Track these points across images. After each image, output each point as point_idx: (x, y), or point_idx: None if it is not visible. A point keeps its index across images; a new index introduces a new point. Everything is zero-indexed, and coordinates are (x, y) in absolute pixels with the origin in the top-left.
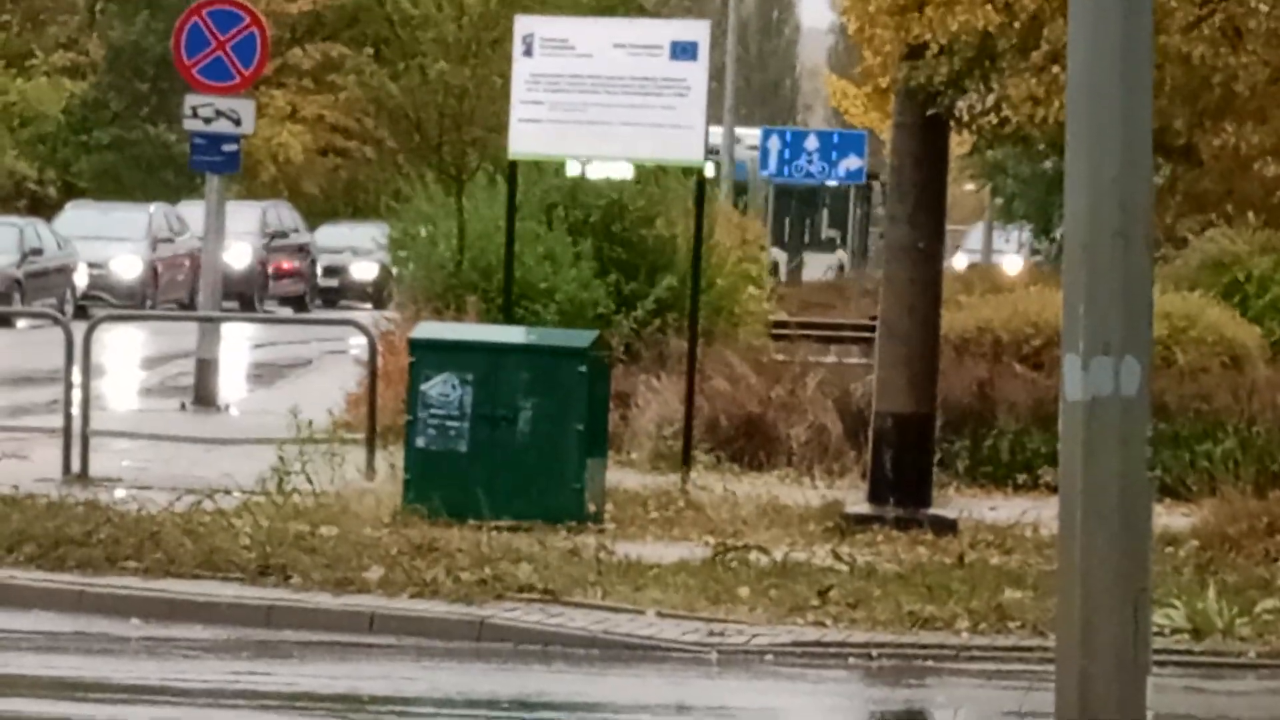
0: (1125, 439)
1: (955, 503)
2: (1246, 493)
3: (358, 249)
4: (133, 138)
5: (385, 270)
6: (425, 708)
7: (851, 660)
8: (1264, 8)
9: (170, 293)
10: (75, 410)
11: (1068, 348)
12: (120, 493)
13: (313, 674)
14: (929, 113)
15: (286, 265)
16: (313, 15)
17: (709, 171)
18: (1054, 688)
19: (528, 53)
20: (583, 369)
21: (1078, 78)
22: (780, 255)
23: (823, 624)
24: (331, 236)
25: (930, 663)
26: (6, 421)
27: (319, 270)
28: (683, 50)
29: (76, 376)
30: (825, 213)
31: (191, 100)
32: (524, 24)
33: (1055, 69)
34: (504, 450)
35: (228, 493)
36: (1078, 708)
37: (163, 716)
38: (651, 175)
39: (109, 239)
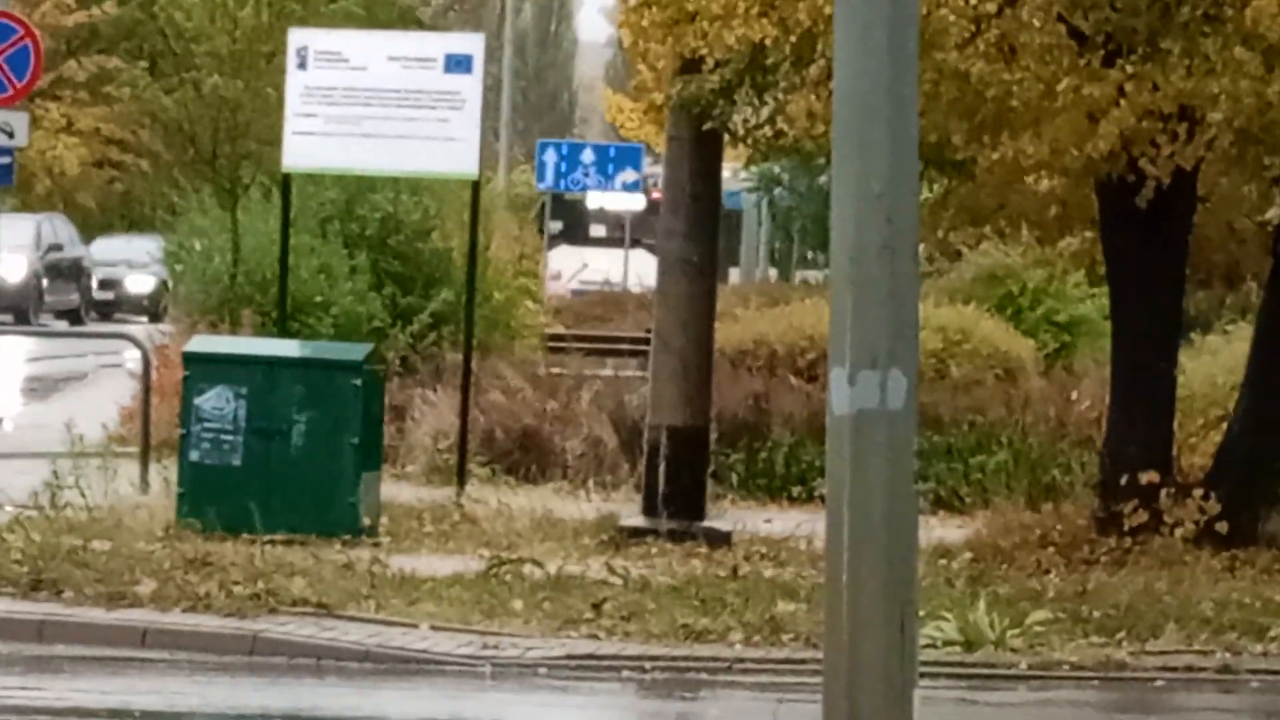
0: (892, 452)
1: (730, 515)
2: (1019, 505)
3: (133, 262)
4: None
5: (162, 284)
6: None
7: (625, 673)
8: (1036, 23)
9: None
10: None
11: (834, 361)
12: None
13: (85, 689)
14: (704, 127)
15: None
16: (88, 27)
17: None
18: (821, 698)
19: (301, 65)
20: (357, 382)
21: (844, 91)
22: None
23: (596, 637)
24: (107, 250)
25: (704, 675)
26: None
27: (94, 284)
28: (457, 63)
29: None
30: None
31: None
32: (297, 37)
33: (832, 83)
34: (278, 464)
35: (0, 507)
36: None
37: None
38: (429, 187)
39: None
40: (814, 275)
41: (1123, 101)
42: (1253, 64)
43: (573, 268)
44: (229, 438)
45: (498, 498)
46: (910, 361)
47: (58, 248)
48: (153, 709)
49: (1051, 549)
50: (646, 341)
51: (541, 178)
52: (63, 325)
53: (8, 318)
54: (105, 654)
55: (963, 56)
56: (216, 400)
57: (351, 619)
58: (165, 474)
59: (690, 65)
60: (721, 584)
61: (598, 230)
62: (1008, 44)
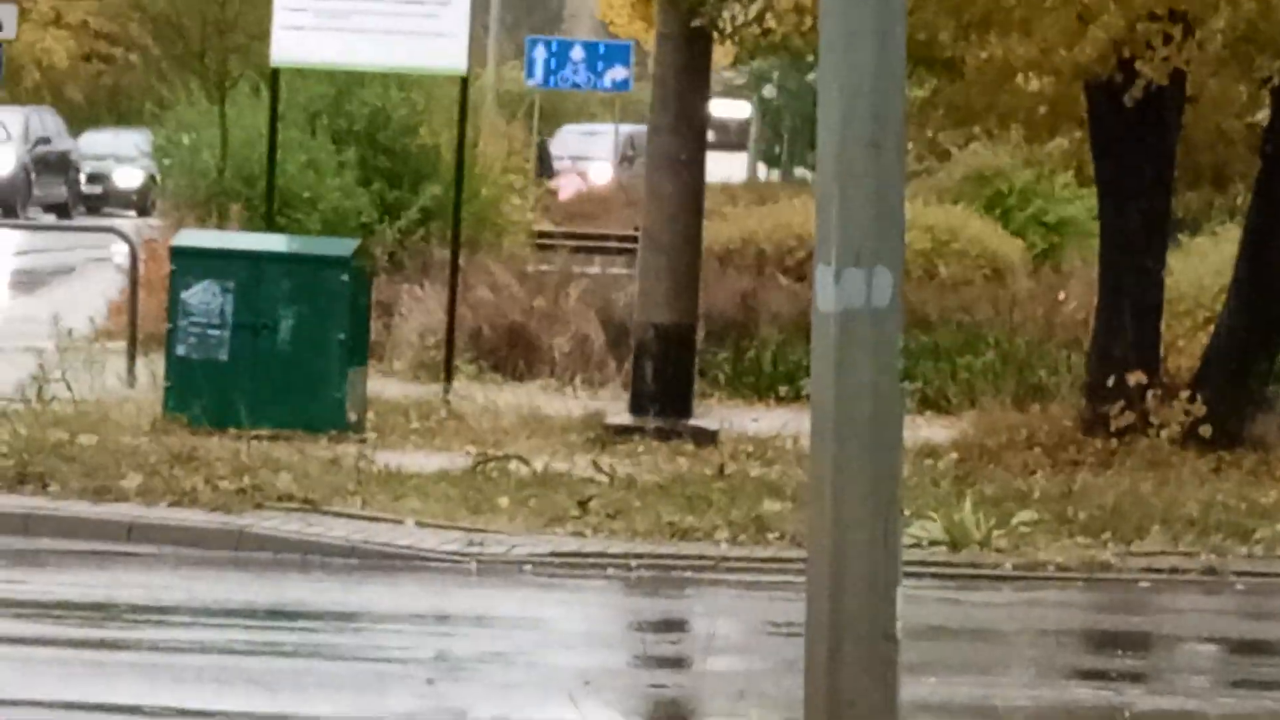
0: (877, 350)
1: (717, 414)
2: (1006, 405)
3: (121, 156)
4: None
5: (150, 178)
6: (182, 616)
7: (610, 570)
8: None
9: None
10: None
11: (820, 259)
12: None
13: (70, 582)
14: (692, 24)
15: None
16: None
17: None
18: (806, 597)
19: None
20: (345, 278)
21: None
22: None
23: (582, 534)
24: (95, 143)
25: (689, 573)
26: None
27: (82, 177)
28: None
29: None
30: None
31: None
32: None
33: None
34: (265, 359)
35: None
36: (829, 618)
37: None
38: (418, 83)
39: None
40: (803, 173)
41: (1114, 4)
42: None
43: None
44: (216, 332)
45: (484, 394)
46: (896, 259)
47: (46, 141)
48: (138, 602)
49: (1038, 449)
50: (635, 239)
51: (530, 74)
52: (50, 219)
53: None
54: (91, 548)
55: None
56: (203, 295)
57: (337, 515)
58: (152, 368)
59: None
60: (708, 482)
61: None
62: None
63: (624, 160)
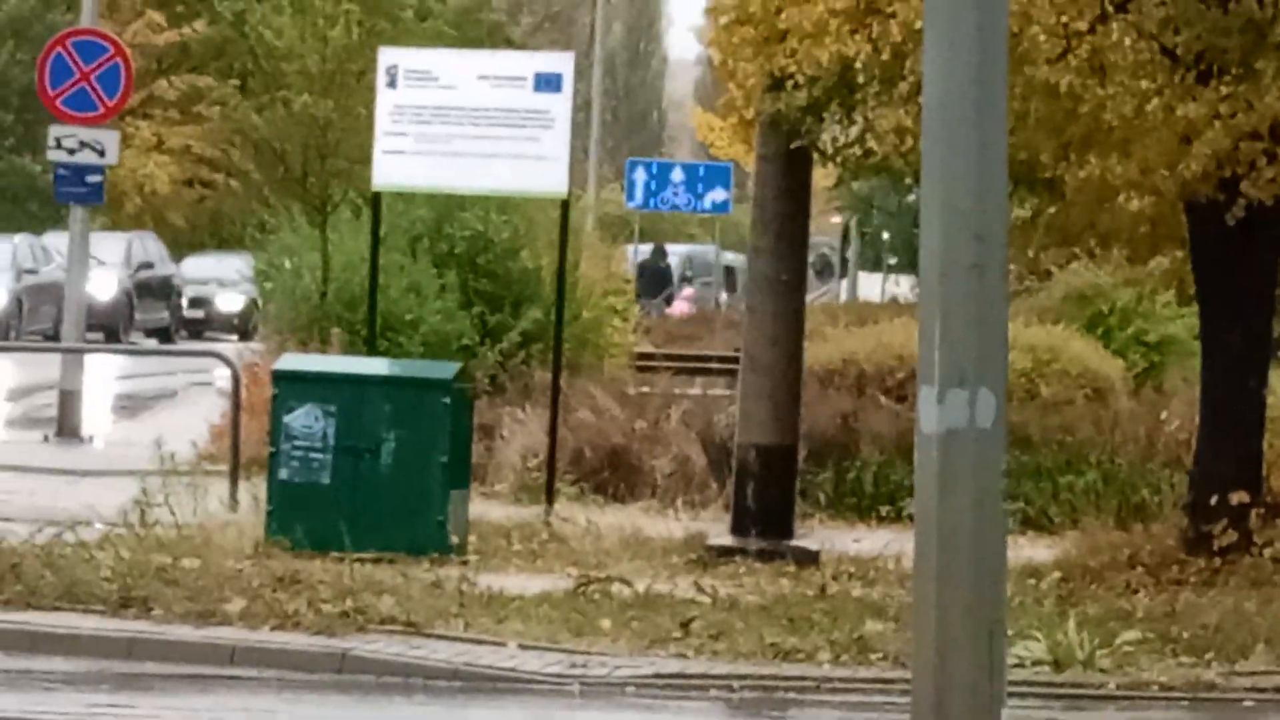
0: (980, 471)
1: (818, 534)
2: (1108, 525)
3: (223, 280)
4: None
5: (251, 302)
6: None
7: (713, 692)
8: (1127, 41)
9: (35, 323)
10: None
11: (923, 380)
12: None
13: (174, 706)
14: (793, 145)
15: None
16: (179, 46)
17: None
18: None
19: (391, 84)
20: (446, 400)
21: (933, 107)
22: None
23: (685, 655)
24: (197, 268)
25: (792, 694)
26: None
27: (184, 302)
28: (546, 82)
29: None
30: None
31: (56, 131)
32: (388, 56)
33: (921, 99)
34: (367, 482)
35: (90, 524)
36: None
37: None
38: (519, 206)
39: None
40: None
41: (1217, 123)
42: None
43: None
44: (318, 455)
45: (586, 516)
46: (999, 380)
47: (148, 265)
48: None
49: (1140, 569)
50: (735, 360)
51: (631, 196)
52: (153, 343)
53: (98, 335)
54: (194, 671)
55: (1054, 71)
56: (305, 418)
57: (440, 637)
58: (254, 492)
59: (778, 83)
60: (809, 603)
61: None
62: (1099, 61)
63: (682, 280)
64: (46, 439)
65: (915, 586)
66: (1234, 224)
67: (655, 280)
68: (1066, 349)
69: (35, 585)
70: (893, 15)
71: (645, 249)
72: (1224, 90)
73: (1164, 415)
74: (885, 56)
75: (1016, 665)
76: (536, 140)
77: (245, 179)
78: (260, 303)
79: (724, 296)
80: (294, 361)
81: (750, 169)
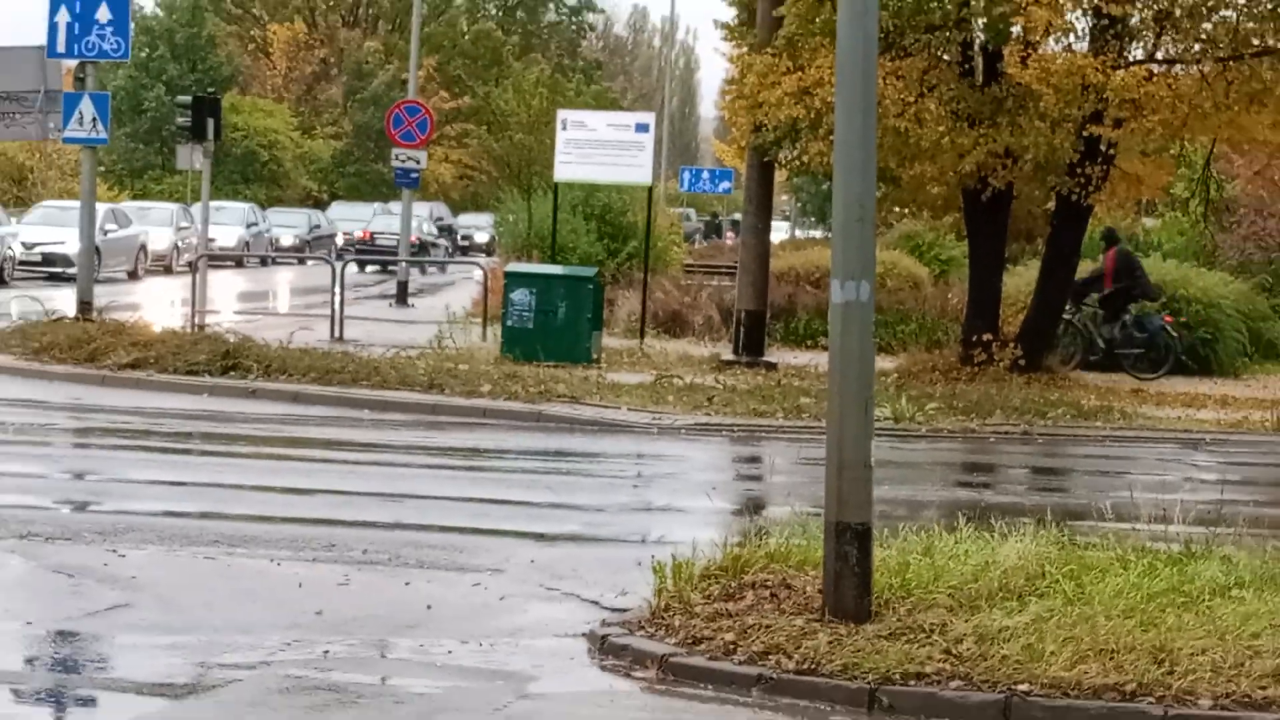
0: (861, 323)
1: (777, 354)
2: (921, 350)
3: (479, 226)
4: (366, 170)
5: (493, 237)
6: (512, 453)
7: (724, 432)
8: (933, 106)
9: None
10: (337, 304)
11: (834, 275)
12: (358, 347)
13: (456, 438)
14: (764, 159)
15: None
16: (455, 109)
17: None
18: (825, 445)
19: (563, 128)
20: (590, 287)
21: (839, 141)
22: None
23: (710, 414)
24: (467, 220)
25: (762, 435)
26: (303, 310)
27: (458, 237)
28: (641, 128)
29: (337, 291)
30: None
31: (395, 151)
32: (562, 114)
33: (833, 137)
34: (551, 327)
35: (412, 348)
36: (837, 456)
37: (380, 458)
38: (627, 189)
39: (353, 220)
40: (813, 233)
41: (977, 148)
42: (1044, 130)
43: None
44: (527, 314)
45: (659, 345)
46: (870, 276)
47: (440, 219)
48: (489, 448)
49: (937, 372)
50: (734, 269)
51: (682, 184)
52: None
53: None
54: (465, 420)
55: (897, 120)
56: (521, 295)
57: (587, 404)
58: (494, 332)
59: (759, 129)
60: (772, 389)
61: None
62: (919, 115)
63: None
64: (390, 305)
65: (829, 381)
66: (986, 200)
67: (707, 231)
68: (900, 262)
69: (386, 376)
70: (819, 95)
71: (691, 212)
72: (981, 131)
73: (950, 296)
74: (814, 116)
75: (877, 421)
76: (635, 156)
77: (489, 175)
78: (498, 237)
79: (730, 237)
80: (514, 267)
81: (743, 172)
